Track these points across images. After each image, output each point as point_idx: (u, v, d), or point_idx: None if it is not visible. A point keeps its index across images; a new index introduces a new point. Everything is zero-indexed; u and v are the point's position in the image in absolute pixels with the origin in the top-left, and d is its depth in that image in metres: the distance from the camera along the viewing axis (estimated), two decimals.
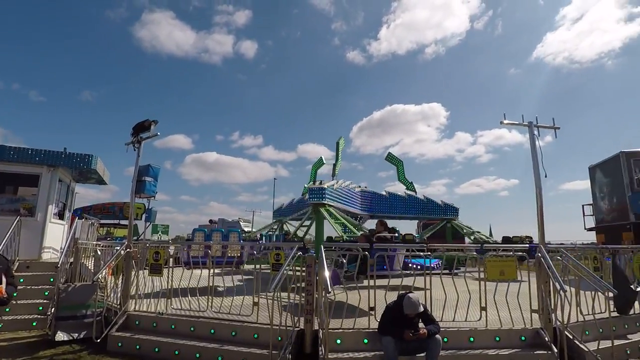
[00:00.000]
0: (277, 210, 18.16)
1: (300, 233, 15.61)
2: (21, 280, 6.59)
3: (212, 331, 5.10)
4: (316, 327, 4.72)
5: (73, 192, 10.65)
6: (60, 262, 6.42)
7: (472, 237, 15.06)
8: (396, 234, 6.57)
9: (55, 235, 9.05)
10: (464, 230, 15.54)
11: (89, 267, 7.34)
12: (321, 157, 17.68)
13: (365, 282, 5.33)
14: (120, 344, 5.16)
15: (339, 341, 4.61)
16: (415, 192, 15.99)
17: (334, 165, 15.87)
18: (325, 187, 12.09)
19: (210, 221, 28.23)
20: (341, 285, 5.88)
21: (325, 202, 11.82)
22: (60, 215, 9.53)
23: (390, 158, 16.94)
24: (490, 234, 14.37)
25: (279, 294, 4.49)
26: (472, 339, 4.74)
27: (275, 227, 17.53)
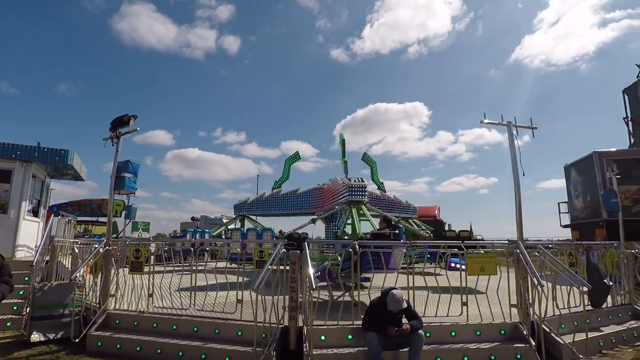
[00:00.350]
0: (239, 205, 17.18)
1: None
2: None
3: (195, 329, 5.03)
4: (300, 323, 4.73)
5: (48, 189, 10.32)
6: (35, 261, 6.21)
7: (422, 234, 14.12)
8: (397, 231, 6.55)
9: (30, 233, 8.75)
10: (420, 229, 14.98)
11: (66, 265, 7.12)
12: (297, 152, 17.56)
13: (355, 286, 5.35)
14: (99, 344, 5.03)
15: (323, 337, 4.63)
16: (385, 192, 16.39)
17: (344, 162, 15.53)
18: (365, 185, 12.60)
19: (193, 218, 27.84)
20: (333, 283, 5.88)
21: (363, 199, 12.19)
22: (35, 212, 9.22)
23: (366, 159, 17.20)
24: (471, 231, 14.55)
25: (262, 291, 4.46)
26: (453, 334, 4.84)
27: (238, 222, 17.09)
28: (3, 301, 6.16)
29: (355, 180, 13.06)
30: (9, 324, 5.93)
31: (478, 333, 4.88)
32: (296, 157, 17.37)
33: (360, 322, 4.63)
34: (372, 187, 16.32)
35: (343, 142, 15.96)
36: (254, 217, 17.46)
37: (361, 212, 12.57)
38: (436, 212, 21.59)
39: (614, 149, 13.70)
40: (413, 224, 15.33)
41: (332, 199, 14.18)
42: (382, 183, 16.93)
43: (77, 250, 6.90)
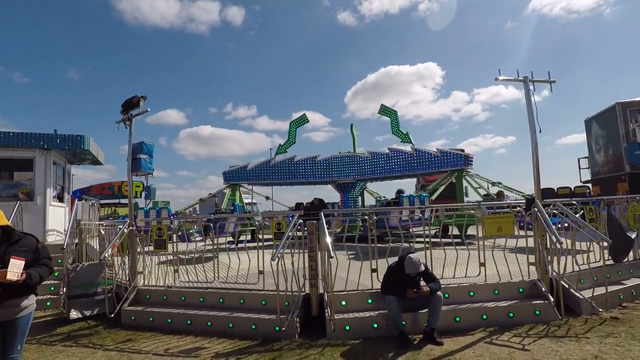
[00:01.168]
0: (231, 172, 14.87)
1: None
2: None
3: (221, 300, 5.27)
4: (321, 290, 4.89)
5: (70, 174, 10.62)
6: (65, 244, 6.51)
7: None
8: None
9: (57, 218, 9.12)
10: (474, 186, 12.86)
11: (95, 246, 7.45)
12: (304, 114, 15.91)
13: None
14: (133, 318, 5.34)
15: (344, 303, 4.79)
16: (413, 144, 14.11)
17: (403, 133, 14.33)
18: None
19: (210, 195, 28.32)
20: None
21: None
22: (60, 198, 9.55)
23: (383, 110, 15.02)
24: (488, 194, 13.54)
25: (282, 261, 4.59)
26: (472, 294, 4.92)
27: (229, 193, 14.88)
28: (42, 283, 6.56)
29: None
30: (48, 304, 6.34)
31: (496, 292, 4.94)
32: (303, 119, 15.76)
33: (378, 287, 4.75)
34: (396, 142, 15.00)
35: (395, 113, 14.53)
36: (248, 187, 15.64)
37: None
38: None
39: (638, 99, 13.06)
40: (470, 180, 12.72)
41: (408, 167, 13.96)
42: (406, 134, 14.27)
43: (103, 232, 7.18)
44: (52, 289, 6.58)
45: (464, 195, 13.53)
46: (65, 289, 5.94)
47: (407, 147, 14.16)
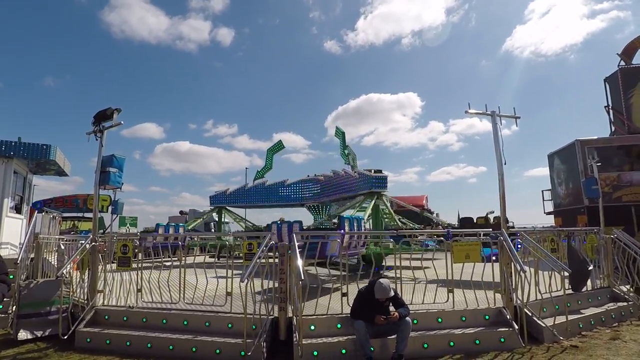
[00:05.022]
0: (217, 196, 16.52)
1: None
2: None
3: (185, 323, 5.05)
4: (290, 314, 4.79)
5: (31, 185, 10.11)
6: (20, 258, 6.11)
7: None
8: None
9: (13, 230, 8.58)
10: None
11: (52, 262, 7.03)
12: (280, 141, 16.59)
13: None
14: (89, 340, 5.01)
15: (312, 327, 4.71)
16: (354, 167, 13.70)
17: (346, 154, 14.09)
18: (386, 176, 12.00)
19: (181, 212, 27.63)
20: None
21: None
22: (18, 209, 9.03)
23: (337, 131, 14.90)
24: (459, 220, 14.42)
25: (252, 283, 4.50)
26: (440, 320, 4.96)
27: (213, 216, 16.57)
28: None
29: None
30: None
31: (463, 319, 5.01)
32: (279, 146, 16.61)
33: (348, 312, 4.71)
34: (339, 165, 15.08)
35: (343, 134, 14.56)
36: (231, 209, 16.94)
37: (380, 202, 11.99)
38: (424, 201, 21.77)
39: (595, 137, 14.00)
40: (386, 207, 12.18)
41: (340, 189, 13.63)
42: (347, 154, 14.07)
43: (62, 247, 6.81)
44: (0, 307, 6.11)
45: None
46: (14, 307, 5.53)
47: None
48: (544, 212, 16.68)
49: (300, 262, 4.52)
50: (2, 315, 6.00)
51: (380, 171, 12.60)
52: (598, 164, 8.67)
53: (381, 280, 4.48)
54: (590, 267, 6.21)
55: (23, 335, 5.26)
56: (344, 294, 4.99)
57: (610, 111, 15.94)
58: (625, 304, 6.25)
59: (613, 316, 5.89)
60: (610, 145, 13.67)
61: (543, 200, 16.80)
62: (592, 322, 5.57)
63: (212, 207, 16.64)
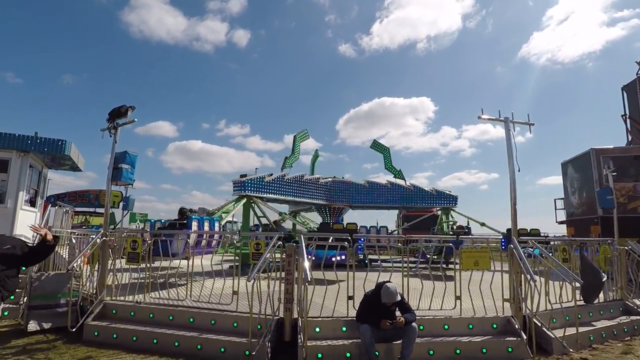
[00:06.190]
0: (246, 183, 12.56)
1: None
2: None
3: (191, 320, 5.08)
4: (295, 315, 4.79)
5: (46, 179, 10.29)
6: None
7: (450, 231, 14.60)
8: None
9: (27, 223, 8.72)
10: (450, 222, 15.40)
11: (64, 255, 7.14)
12: (305, 130, 15.65)
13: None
14: (96, 333, 5.08)
15: (317, 329, 4.69)
16: (405, 180, 15.70)
17: (399, 170, 15.69)
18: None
19: (191, 210, 27.82)
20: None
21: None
22: (32, 203, 9.21)
23: (376, 145, 16.16)
24: (469, 227, 14.45)
25: (258, 282, 4.51)
26: (446, 327, 4.90)
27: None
28: None
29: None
30: (6, 313, 5.97)
31: (470, 326, 4.94)
32: (304, 135, 15.53)
33: (354, 315, 4.69)
34: (387, 177, 16.64)
35: (387, 150, 16.20)
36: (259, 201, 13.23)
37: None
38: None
39: (611, 146, 13.72)
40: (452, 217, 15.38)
41: (409, 200, 15.83)
42: (399, 171, 15.68)
43: (74, 241, 6.92)
44: (12, 297, 6.22)
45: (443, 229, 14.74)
46: (26, 298, 5.63)
47: (402, 182, 15.89)
48: (556, 221, 16.40)
49: (307, 263, 4.51)
50: (14, 306, 6.12)
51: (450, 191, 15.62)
52: (614, 174, 8.50)
53: (388, 284, 4.44)
54: (604, 279, 6.06)
55: (33, 326, 5.35)
56: (350, 297, 4.97)
57: (628, 120, 15.63)
58: (638, 317, 6.09)
59: (625, 330, 5.74)
60: (626, 155, 13.37)
61: (555, 209, 16.53)
62: (604, 335, 5.44)
63: (236, 197, 12.58)
